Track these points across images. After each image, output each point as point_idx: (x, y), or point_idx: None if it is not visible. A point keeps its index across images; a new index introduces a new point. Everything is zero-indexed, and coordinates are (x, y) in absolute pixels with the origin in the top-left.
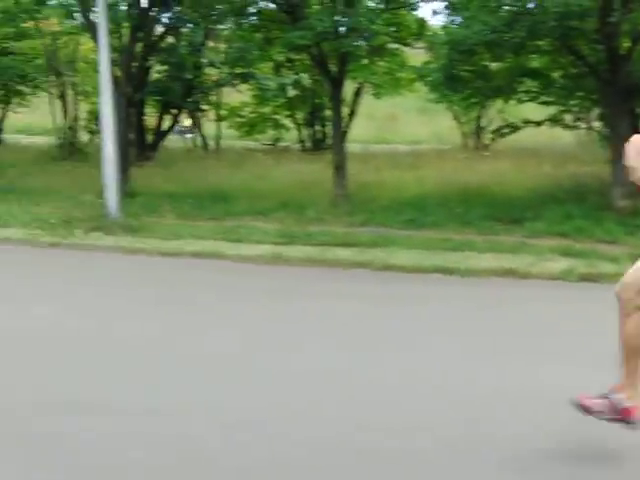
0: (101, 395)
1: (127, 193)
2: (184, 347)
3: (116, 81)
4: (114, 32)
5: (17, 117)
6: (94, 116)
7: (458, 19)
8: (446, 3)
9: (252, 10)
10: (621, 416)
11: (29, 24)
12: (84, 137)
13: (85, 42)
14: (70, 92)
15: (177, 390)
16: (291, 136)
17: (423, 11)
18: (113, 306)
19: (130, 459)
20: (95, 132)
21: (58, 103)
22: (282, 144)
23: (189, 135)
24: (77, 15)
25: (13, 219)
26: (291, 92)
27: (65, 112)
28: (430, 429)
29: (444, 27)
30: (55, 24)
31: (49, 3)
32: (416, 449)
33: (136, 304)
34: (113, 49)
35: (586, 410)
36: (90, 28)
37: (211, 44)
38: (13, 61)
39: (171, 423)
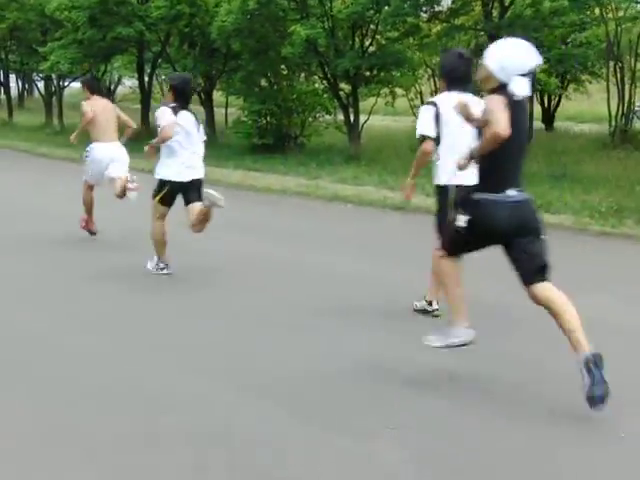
0: None
1: None
2: None
3: None
4: None
5: (569, 104)
6: None
7: None
8: None
9: None
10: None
11: (594, 11)
12: (638, 124)
13: None
14: (628, 78)
15: None
16: None
17: None
18: None
19: None
20: None
21: (614, 90)
22: None
23: None
24: None
25: (564, 206)
26: None
27: (621, 99)
28: None
29: None
30: (620, 10)
31: None
32: None
33: None
34: None
35: None
36: None
37: None
38: (574, 49)
39: None
